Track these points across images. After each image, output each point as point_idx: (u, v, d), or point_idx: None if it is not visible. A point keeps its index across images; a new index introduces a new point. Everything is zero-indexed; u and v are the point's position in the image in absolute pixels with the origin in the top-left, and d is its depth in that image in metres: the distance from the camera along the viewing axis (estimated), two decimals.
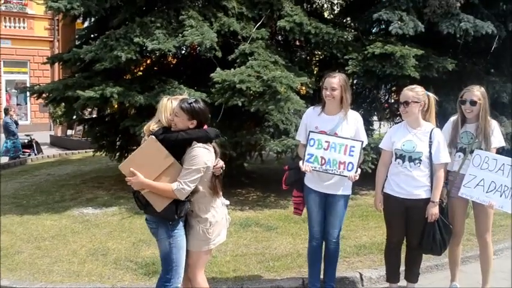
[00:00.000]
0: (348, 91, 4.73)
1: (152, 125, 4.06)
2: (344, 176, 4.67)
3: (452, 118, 5.08)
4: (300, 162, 4.73)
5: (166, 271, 4.06)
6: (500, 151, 4.98)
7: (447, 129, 5.06)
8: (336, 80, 4.66)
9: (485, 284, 5.09)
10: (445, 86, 9.34)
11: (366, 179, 6.12)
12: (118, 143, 10.51)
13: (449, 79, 9.50)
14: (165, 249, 4.02)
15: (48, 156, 15.68)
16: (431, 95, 4.83)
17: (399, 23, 8.52)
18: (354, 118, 4.81)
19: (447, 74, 9.11)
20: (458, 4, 8.69)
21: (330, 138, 4.65)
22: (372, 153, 7.94)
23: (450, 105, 9.22)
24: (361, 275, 5.55)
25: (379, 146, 5.02)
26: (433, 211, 4.63)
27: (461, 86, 9.67)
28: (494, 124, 4.92)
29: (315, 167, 4.64)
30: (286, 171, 4.93)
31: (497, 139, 4.88)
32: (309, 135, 4.71)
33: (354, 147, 4.63)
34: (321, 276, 5.09)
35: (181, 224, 4.02)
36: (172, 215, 3.88)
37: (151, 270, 5.56)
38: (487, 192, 4.74)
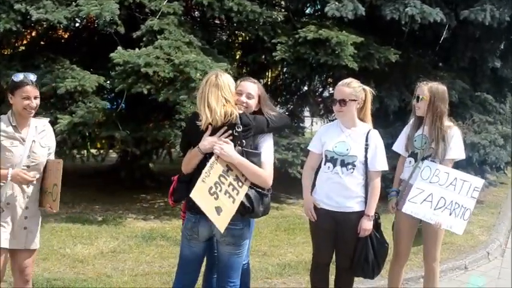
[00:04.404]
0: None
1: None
2: None
3: (413, 117, 5.19)
4: None
5: (232, 281, 4.14)
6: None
7: (406, 130, 5.21)
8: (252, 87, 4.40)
9: None
10: (387, 80, 9.63)
11: (294, 186, 6.19)
12: None
13: (392, 72, 9.80)
14: (243, 255, 4.16)
15: None
16: (367, 88, 4.80)
17: (336, 3, 8.68)
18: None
19: (390, 66, 9.38)
20: None
21: None
22: (302, 155, 8.05)
23: (393, 101, 9.54)
24: None
25: (309, 148, 5.01)
26: (366, 226, 4.63)
27: (405, 80, 10.16)
28: (454, 131, 4.98)
29: None
30: (174, 182, 4.46)
31: (455, 150, 4.94)
32: None
33: None
34: None
35: None
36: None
37: None
38: (435, 209, 4.83)
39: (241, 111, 4.02)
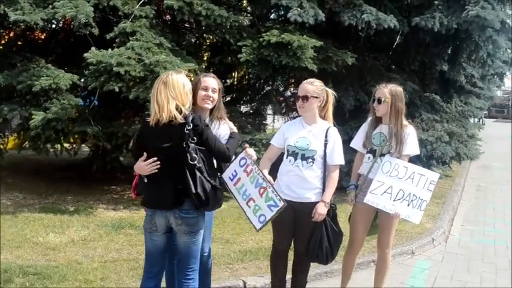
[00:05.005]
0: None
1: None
2: None
3: (370, 117, 5.26)
4: None
5: (192, 267, 4.18)
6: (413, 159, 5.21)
7: (363, 128, 5.27)
8: (214, 82, 4.47)
9: None
10: (344, 81, 9.72)
11: None
12: None
13: (348, 74, 9.90)
14: (199, 243, 4.16)
15: None
16: (330, 90, 4.92)
17: (299, 10, 8.70)
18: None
19: (347, 68, 9.48)
20: None
21: None
22: (264, 149, 8.06)
23: (349, 101, 9.64)
24: (244, 283, 5.63)
25: (271, 142, 5.05)
26: (321, 211, 4.69)
27: (361, 81, 10.26)
28: (410, 130, 5.08)
29: None
30: (136, 177, 4.35)
31: (410, 146, 5.05)
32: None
33: None
34: None
35: None
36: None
37: (3, 278, 5.28)
38: (394, 200, 4.91)
39: (191, 111, 4.02)
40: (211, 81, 4.41)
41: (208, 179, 3.96)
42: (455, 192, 11.39)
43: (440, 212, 9.23)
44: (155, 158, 3.99)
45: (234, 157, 4.44)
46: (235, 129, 4.58)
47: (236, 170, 4.43)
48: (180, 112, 3.93)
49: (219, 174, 4.41)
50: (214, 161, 4.28)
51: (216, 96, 4.40)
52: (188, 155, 3.91)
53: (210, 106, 4.42)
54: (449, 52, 12.02)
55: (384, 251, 5.26)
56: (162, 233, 4.14)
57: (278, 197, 4.28)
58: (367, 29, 9.29)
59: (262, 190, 4.32)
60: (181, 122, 3.91)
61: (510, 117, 39.05)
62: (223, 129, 4.48)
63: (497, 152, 19.95)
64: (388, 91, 5.03)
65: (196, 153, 3.94)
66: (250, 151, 4.41)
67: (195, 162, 3.91)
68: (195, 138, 3.95)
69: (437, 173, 5.27)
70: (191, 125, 3.92)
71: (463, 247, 7.76)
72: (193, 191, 3.90)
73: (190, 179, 3.91)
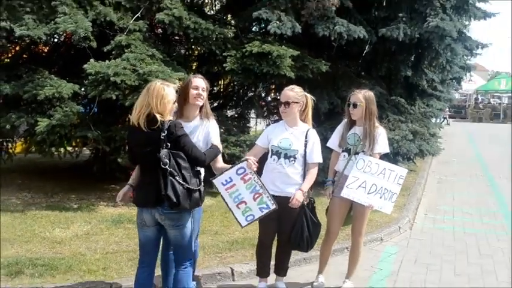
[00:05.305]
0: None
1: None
2: None
3: (345, 119, 5.34)
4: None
5: (185, 258, 4.26)
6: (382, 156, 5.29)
7: (339, 130, 5.35)
8: (203, 82, 4.61)
9: (350, 275, 5.48)
10: (319, 87, 9.76)
11: None
12: None
13: (323, 80, 9.95)
14: (186, 235, 4.19)
15: None
16: (309, 95, 5.03)
17: (277, 22, 8.75)
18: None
19: (321, 75, 9.52)
20: (334, 8, 9.07)
21: None
22: (248, 150, 8.09)
23: (323, 104, 9.70)
24: (232, 270, 5.68)
25: (255, 142, 5.14)
26: (298, 197, 4.75)
27: (334, 87, 10.33)
28: (381, 131, 5.19)
29: None
30: (131, 173, 4.56)
31: (381, 145, 5.15)
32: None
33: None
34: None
35: None
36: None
37: (14, 270, 5.29)
38: (368, 193, 5.01)
39: (171, 119, 4.05)
40: (200, 82, 4.53)
41: (180, 181, 3.95)
42: (419, 184, 11.50)
43: (405, 202, 9.33)
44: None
45: (230, 166, 4.60)
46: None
47: (232, 177, 4.54)
48: (154, 119, 3.94)
49: (210, 178, 4.51)
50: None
51: (205, 94, 4.54)
52: (160, 159, 3.93)
53: (200, 103, 4.53)
54: (412, 59, 12.11)
55: (357, 239, 5.35)
56: (152, 226, 4.19)
57: (272, 202, 4.53)
58: (339, 39, 9.35)
59: (257, 196, 4.55)
60: (156, 128, 3.94)
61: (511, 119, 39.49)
62: (212, 126, 4.60)
63: (455, 148, 20.15)
64: (362, 96, 5.12)
65: (169, 158, 3.94)
66: (251, 164, 4.54)
67: (167, 166, 3.92)
68: (169, 144, 3.96)
69: (404, 168, 5.39)
70: (166, 131, 3.94)
71: (425, 233, 7.88)
72: (163, 192, 3.93)
73: (162, 182, 3.94)
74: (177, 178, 3.95)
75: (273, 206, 4.55)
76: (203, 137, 4.55)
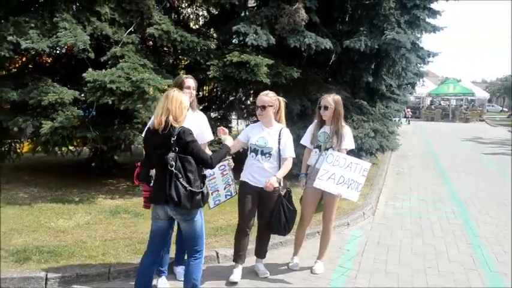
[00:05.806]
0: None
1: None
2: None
3: (316, 120, 5.36)
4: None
5: (196, 248, 4.21)
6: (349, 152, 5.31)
7: (310, 129, 5.37)
8: (193, 81, 4.90)
9: (321, 256, 5.51)
10: (291, 91, 9.77)
11: None
12: None
13: (295, 85, 9.95)
14: (195, 229, 4.15)
15: None
16: (281, 99, 5.05)
17: (254, 35, 8.74)
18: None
19: (293, 81, 9.51)
20: (303, 23, 9.08)
21: None
22: None
23: (296, 106, 9.72)
24: (217, 253, 5.66)
25: (238, 137, 5.13)
26: (272, 181, 4.76)
27: (304, 91, 10.34)
28: (347, 129, 5.22)
29: None
30: (138, 167, 4.52)
31: (347, 142, 5.18)
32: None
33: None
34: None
35: None
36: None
37: (23, 257, 5.19)
38: (337, 184, 5.03)
39: (182, 126, 3.99)
40: (191, 82, 4.81)
41: (183, 183, 3.87)
42: (380, 176, 11.60)
43: (369, 192, 9.38)
44: None
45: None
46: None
47: (215, 171, 4.96)
48: (169, 124, 3.90)
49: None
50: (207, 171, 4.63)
51: (194, 92, 4.84)
52: (167, 161, 3.87)
53: (191, 99, 4.68)
54: (373, 67, 12.17)
55: (327, 224, 5.38)
56: (165, 220, 4.14)
57: (235, 191, 5.16)
58: (308, 50, 9.36)
59: (227, 186, 5.07)
60: (168, 133, 3.89)
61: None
62: (202, 117, 4.91)
63: (411, 144, 20.35)
64: (332, 99, 5.16)
65: (176, 161, 3.87)
66: (232, 164, 5.04)
67: (172, 168, 3.86)
68: (177, 148, 3.89)
69: (368, 162, 5.41)
70: (175, 136, 3.89)
71: (386, 218, 7.94)
72: (167, 192, 3.87)
73: (167, 182, 3.88)
74: (181, 180, 3.87)
75: (234, 194, 5.16)
76: (196, 127, 4.54)
